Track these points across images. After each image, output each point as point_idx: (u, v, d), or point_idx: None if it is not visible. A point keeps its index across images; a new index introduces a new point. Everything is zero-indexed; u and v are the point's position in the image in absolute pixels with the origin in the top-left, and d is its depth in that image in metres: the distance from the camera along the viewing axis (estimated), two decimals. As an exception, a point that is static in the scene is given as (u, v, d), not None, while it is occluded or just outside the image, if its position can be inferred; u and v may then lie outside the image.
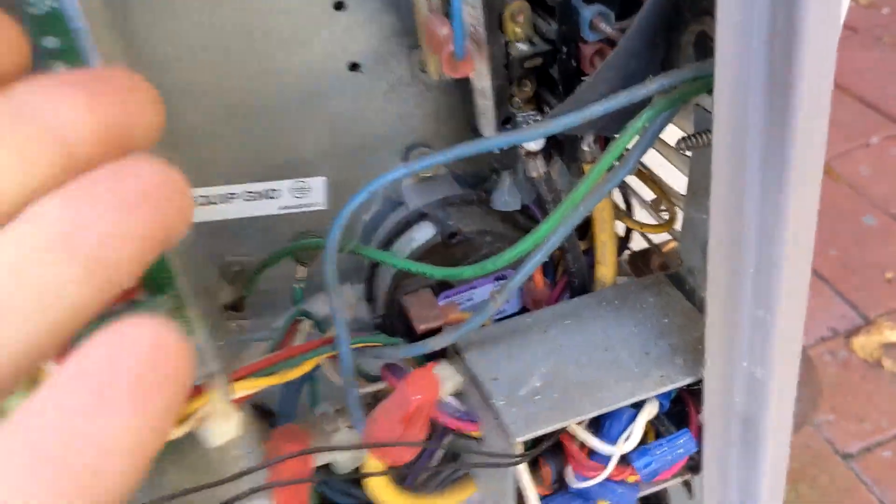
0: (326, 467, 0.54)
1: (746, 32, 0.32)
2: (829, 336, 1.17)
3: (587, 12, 0.41)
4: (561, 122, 0.39)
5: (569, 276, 0.50)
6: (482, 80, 0.43)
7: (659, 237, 0.57)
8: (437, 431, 0.50)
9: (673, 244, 0.59)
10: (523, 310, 0.54)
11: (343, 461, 0.52)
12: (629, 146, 0.39)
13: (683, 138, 0.42)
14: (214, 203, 0.51)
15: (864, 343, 1.15)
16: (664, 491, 0.65)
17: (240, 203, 0.52)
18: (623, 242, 0.55)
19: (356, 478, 0.52)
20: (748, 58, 0.32)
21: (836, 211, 1.34)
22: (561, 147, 0.47)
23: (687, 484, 0.55)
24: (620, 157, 0.40)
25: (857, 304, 1.20)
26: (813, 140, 0.34)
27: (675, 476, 0.48)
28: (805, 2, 0.30)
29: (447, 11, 0.44)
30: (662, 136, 0.42)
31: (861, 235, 1.31)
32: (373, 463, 0.44)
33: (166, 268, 0.40)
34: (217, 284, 0.53)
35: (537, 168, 0.46)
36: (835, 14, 0.31)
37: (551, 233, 0.40)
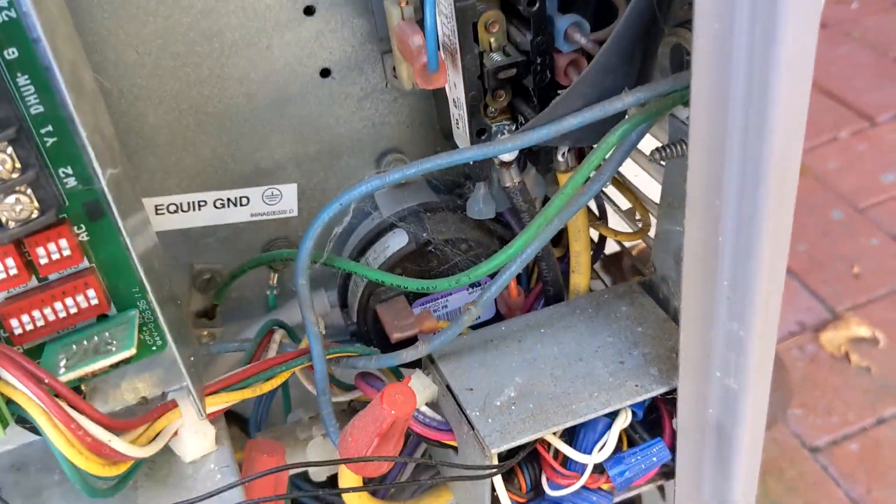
0: (301, 474, 0.54)
1: (725, 44, 0.32)
2: (798, 331, 1.18)
3: (562, 22, 0.41)
4: (536, 135, 0.39)
5: (543, 284, 0.50)
6: (456, 90, 0.42)
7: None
8: (409, 441, 0.50)
9: (643, 245, 0.60)
10: (497, 316, 0.54)
11: (317, 469, 0.52)
12: (605, 158, 0.39)
13: (658, 149, 0.42)
14: (184, 211, 0.51)
15: (832, 337, 1.16)
16: (637, 494, 0.65)
17: (210, 210, 0.51)
18: (598, 249, 0.55)
19: (332, 491, 0.52)
20: (726, 69, 0.32)
21: (804, 205, 1.35)
22: (535, 156, 0.46)
23: (660, 487, 0.56)
24: (596, 169, 0.40)
25: (825, 298, 1.21)
26: (790, 155, 0.34)
27: (648, 482, 0.48)
28: (784, 11, 0.30)
29: (420, 19, 0.43)
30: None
31: (829, 229, 1.33)
32: (348, 475, 0.44)
33: (135, 282, 0.39)
34: (187, 293, 0.53)
35: (511, 178, 0.45)
36: (813, 24, 0.31)
37: (527, 245, 0.40)
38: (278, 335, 0.46)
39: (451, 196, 0.53)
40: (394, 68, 0.49)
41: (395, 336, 0.49)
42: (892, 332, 1.15)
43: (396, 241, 0.50)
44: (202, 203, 0.51)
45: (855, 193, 1.35)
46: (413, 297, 0.52)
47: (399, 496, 0.50)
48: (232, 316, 0.56)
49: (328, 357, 0.44)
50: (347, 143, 0.52)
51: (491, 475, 0.42)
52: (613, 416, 0.44)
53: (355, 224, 0.53)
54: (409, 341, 0.49)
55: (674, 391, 0.44)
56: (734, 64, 0.32)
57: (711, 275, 0.38)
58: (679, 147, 0.41)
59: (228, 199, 0.51)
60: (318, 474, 0.52)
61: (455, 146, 0.48)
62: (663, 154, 0.42)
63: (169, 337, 0.37)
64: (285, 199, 0.52)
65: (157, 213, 0.50)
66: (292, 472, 0.53)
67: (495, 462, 0.42)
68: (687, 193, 0.36)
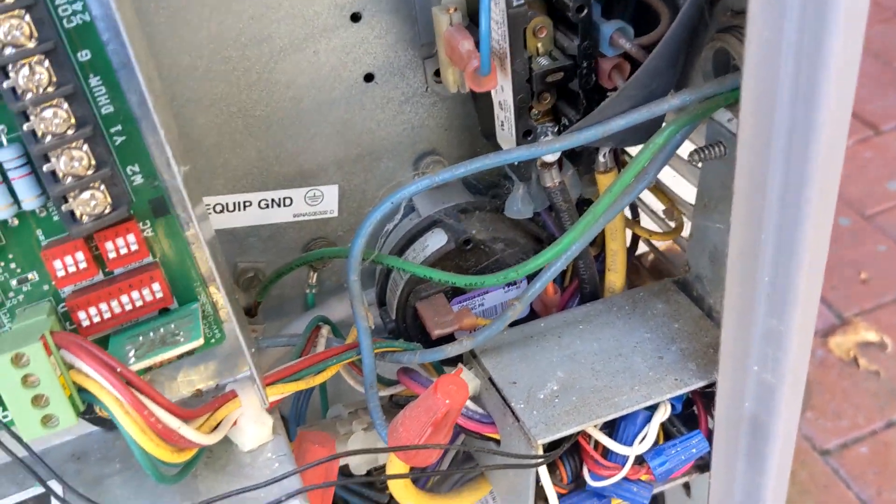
0: (341, 468, 0.55)
1: (773, 50, 0.33)
2: (807, 335, 1.19)
3: (607, 28, 0.42)
4: (584, 136, 0.40)
5: (580, 282, 0.51)
6: (503, 93, 0.44)
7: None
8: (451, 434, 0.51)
9: (668, 243, 0.61)
10: (532, 314, 0.55)
11: (358, 463, 0.53)
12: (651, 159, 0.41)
13: (696, 150, 0.43)
14: (230, 211, 0.52)
15: (841, 342, 1.17)
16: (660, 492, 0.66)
17: (254, 211, 0.53)
18: (631, 250, 0.57)
19: (372, 480, 0.53)
20: (774, 73, 0.34)
21: (811, 212, 1.36)
22: (577, 157, 0.48)
23: (686, 485, 0.57)
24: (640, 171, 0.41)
25: (834, 303, 1.23)
26: (833, 156, 0.35)
27: (684, 475, 0.49)
28: (831, 20, 0.31)
29: (468, 25, 0.45)
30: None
31: (836, 236, 1.34)
32: (396, 464, 0.45)
33: (196, 277, 0.41)
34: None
35: (552, 178, 0.47)
36: (859, 32, 0.32)
37: (573, 243, 0.42)
38: (325, 330, 0.48)
39: (489, 196, 0.54)
40: (435, 73, 0.51)
41: (436, 332, 0.50)
42: (899, 336, 1.17)
43: (436, 241, 0.52)
44: (247, 203, 0.52)
45: (861, 200, 1.37)
46: (451, 294, 0.53)
47: (438, 489, 0.51)
48: (272, 314, 0.57)
49: (374, 351, 0.45)
50: (388, 145, 0.53)
51: (537, 465, 0.43)
52: (652, 409, 0.45)
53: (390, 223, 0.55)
54: (449, 338, 0.50)
55: (712, 385, 0.45)
56: (782, 69, 0.33)
57: (753, 272, 0.39)
58: (717, 149, 0.43)
59: (272, 200, 0.53)
60: (359, 468, 0.53)
61: (496, 147, 0.49)
62: (702, 155, 0.43)
63: (237, 326, 0.38)
64: (326, 200, 0.54)
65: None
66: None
67: (540, 453, 0.43)
68: (734, 192, 0.37)
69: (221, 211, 0.52)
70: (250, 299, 0.54)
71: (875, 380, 1.12)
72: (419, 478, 0.49)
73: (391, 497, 0.53)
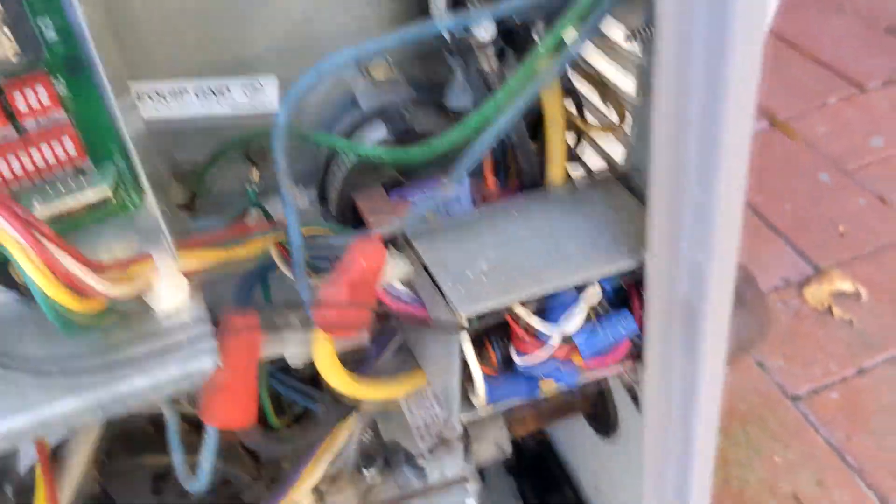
0: (279, 366, 0.55)
1: None
2: (782, 286, 1.19)
3: None
4: (512, 4, 0.40)
5: (519, 174, 0.51)
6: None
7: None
8: (386, 329, 0.51)
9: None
10: (475, 213, 0.54)
11: (294, 356, 0.52)
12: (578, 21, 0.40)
13: (633, 30, 0.43)
14: (166, 100, 0.51)
15: (815, 292, 1.17)
16: (613, 408, 0.66)
17: (191, 100, 0.52)
18: (574, 153, 0.56)
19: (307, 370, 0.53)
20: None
21: (793, 168, 1.36)
22: (513, 38, 0.47)
23: (634, 396, 0.57)
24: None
25: (810, 256, 1.22)
26: (754, 12, 0.35)
27: (618, 363, 0.48)
28: None
29: None
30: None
31: (817, 192, 1.34)
32: (321, 342, 0.44)
33: (112, 137, 0.40)
34: (168, 184, 0.53)
35: (488, 61, 0.46)
36: None
37: (500, 110, 0.41)
38: (256, 212, 0.47)
39: (431, 92, 0.54)
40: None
41: (372, 219, 0.49)
42: (874, 287, 1.16)
43: (376, 134, 0.51)
44: (184, 91, 0.51)
45: (843, 157, 1.36)
46: (390, 189, 0.52)
47: (372, 372, 0.51)
48: (213, 213, 0.57)
49: (304, 230, 0.45)
50: (330, 37, 0.53)
51: (456, 330, 0.42)
52: (582, 291, 0.45)
53: (335, 116, 0.54)
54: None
55: (643, 270, 0.44)
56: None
57: (680, 145, 0.38)
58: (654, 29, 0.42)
59: (209, 89, 0.52)
60: (295, 358, 0.52)
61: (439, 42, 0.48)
62: (640, 35, 0.42)
63: (146, 185, 0.37)
64: (266, 92, 0.53)
65: (137, 100, 0.51)
66: (270, 364, 0.54)
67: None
68: (657, 58, 0.37)
69: (157, 99, 0.51)
70: (188, 193, 0.54)
71: (848, 329, 1.12)
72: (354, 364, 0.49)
73: (330, 394, 0.53)
